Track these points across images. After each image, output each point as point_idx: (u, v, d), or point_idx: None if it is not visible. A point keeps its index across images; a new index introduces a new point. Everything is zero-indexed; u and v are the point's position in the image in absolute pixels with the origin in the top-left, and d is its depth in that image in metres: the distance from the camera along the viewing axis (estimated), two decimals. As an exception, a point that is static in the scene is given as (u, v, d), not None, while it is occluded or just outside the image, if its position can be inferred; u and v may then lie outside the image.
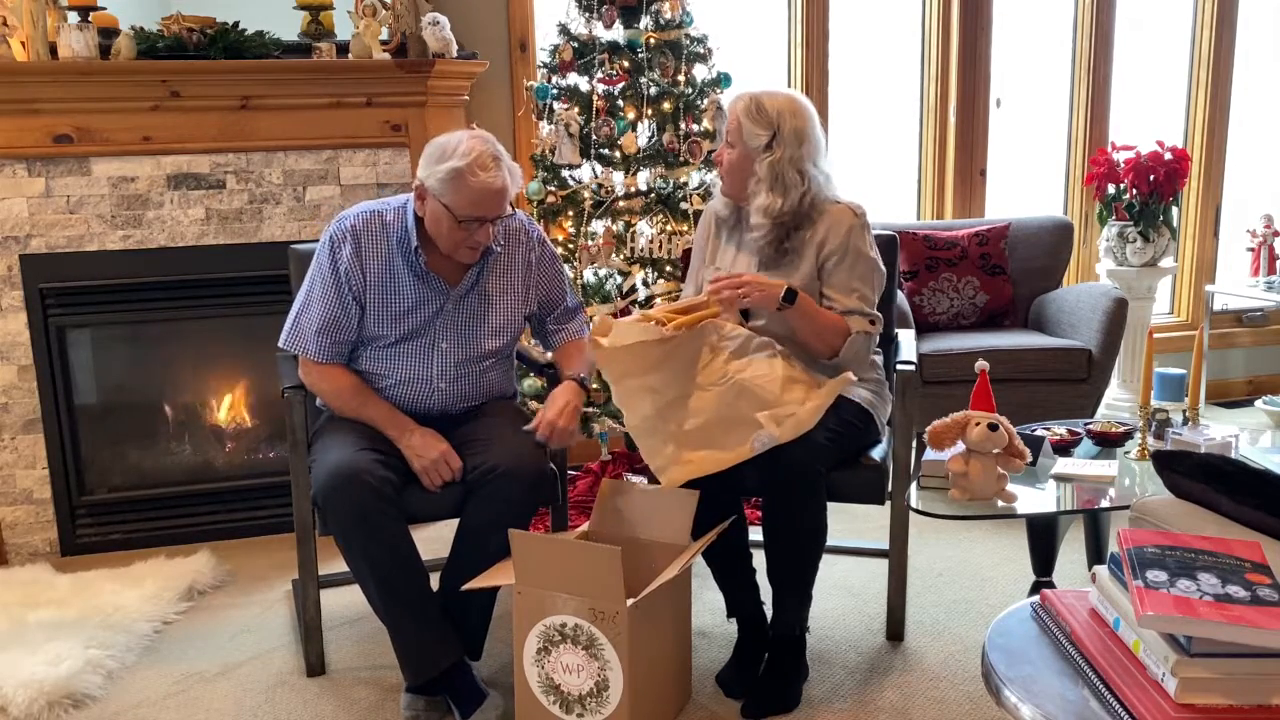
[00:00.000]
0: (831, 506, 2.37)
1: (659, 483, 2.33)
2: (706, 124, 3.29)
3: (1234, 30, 4.60)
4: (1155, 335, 2.58)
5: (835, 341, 2.39)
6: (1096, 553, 2.59)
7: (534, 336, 2.63)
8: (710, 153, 3.30)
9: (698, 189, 3.30)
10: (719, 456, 2.27)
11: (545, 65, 3.33)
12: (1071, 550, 2.76)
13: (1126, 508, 2.06)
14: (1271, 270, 4.55)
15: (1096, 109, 4.51)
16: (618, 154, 3.26)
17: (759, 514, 2.99)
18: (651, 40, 3.25)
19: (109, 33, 3.09)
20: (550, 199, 3.28)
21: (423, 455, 2.30)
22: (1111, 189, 4.27)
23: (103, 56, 3.05)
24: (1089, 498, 2.29)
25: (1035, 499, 2.28)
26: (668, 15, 3.27)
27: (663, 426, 2.30)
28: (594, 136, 3.24)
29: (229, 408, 3.48)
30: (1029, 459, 2.24)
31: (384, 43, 3.31)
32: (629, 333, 2.25)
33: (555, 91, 3.29)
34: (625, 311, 3.26)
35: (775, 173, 2.38)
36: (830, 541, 2.42)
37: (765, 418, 2.23)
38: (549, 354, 2.67)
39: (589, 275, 3.30)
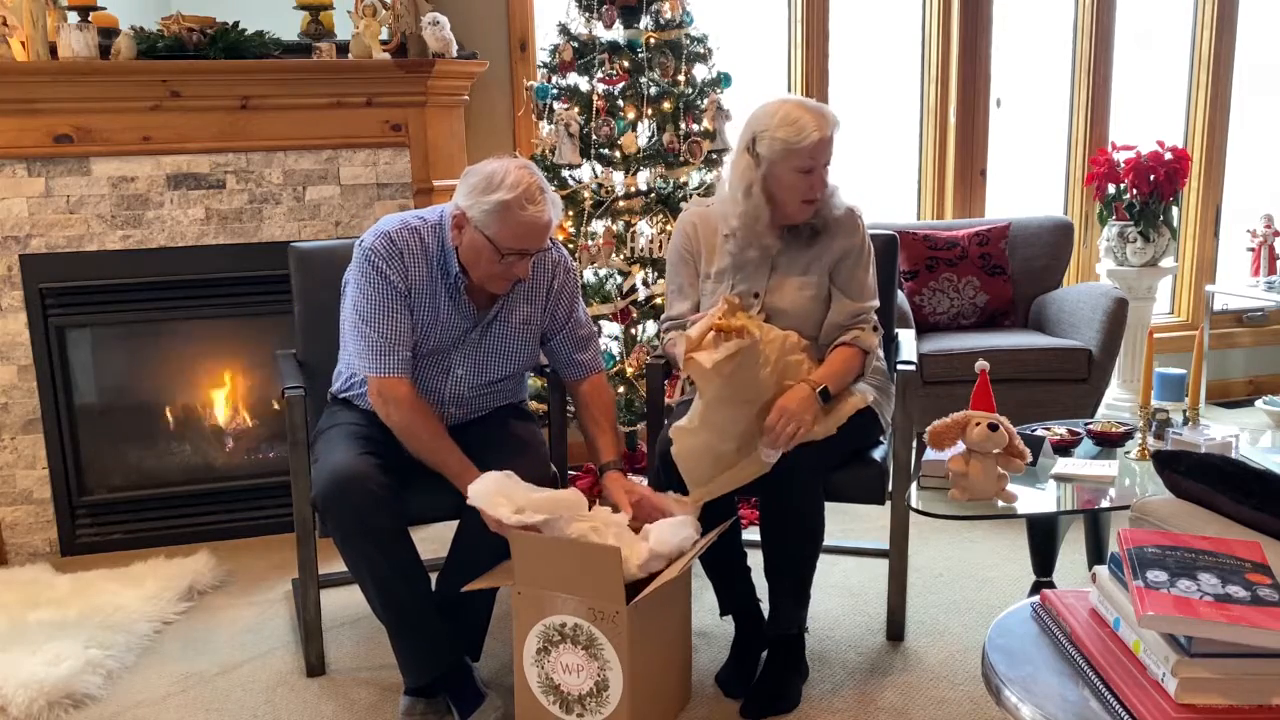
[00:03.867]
0: (831, 506, 2.37)
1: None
2: (706, 124, 3.29)
3: (1234, 31, 4.60)
4: (1155, 335, 2.59)
5: (860, 368, 2.46)
6: (1096, 553, 2.59)
7: (548, 359, 2.56)
8: (712, 153, 3.30)
9: (698, 189, 3.30)
10: (742, 474, 2.32)
11: (545, 65, 3.33)
12: (1071, 550, 2.75)
13: (1126, 508, 2.05)
14: (1271, 270, 4.55)
15: (1096, 109, 4.51)
16: (618, 154, 3.26)
17: (755, 513, 3.00)
18: (651, 40, 3.25)
19: (109, 33, 3.09)
20: (550, 199, 3.28)
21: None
22: (1111, 189, 4.27)
23: (103, 56, 3.05)
24: (1089, 498, 2.29)
25: (1035, 499, 2.28)
26: (668, 15, 3.27)
27: (711, 446, 2.30)
28: (594, 136, 3.24)
29: (229, 408, 3.48)
30: (1029, 459, 2.24)
31: (384, 43, 3.31)
32: (722, 348, 2.24)
33: (555, 91, 3.29)
34: (625, 312, 3.26)
35: None
36: (830, 541, 2.43)
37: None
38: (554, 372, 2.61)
39: (589, 275, 3.30)
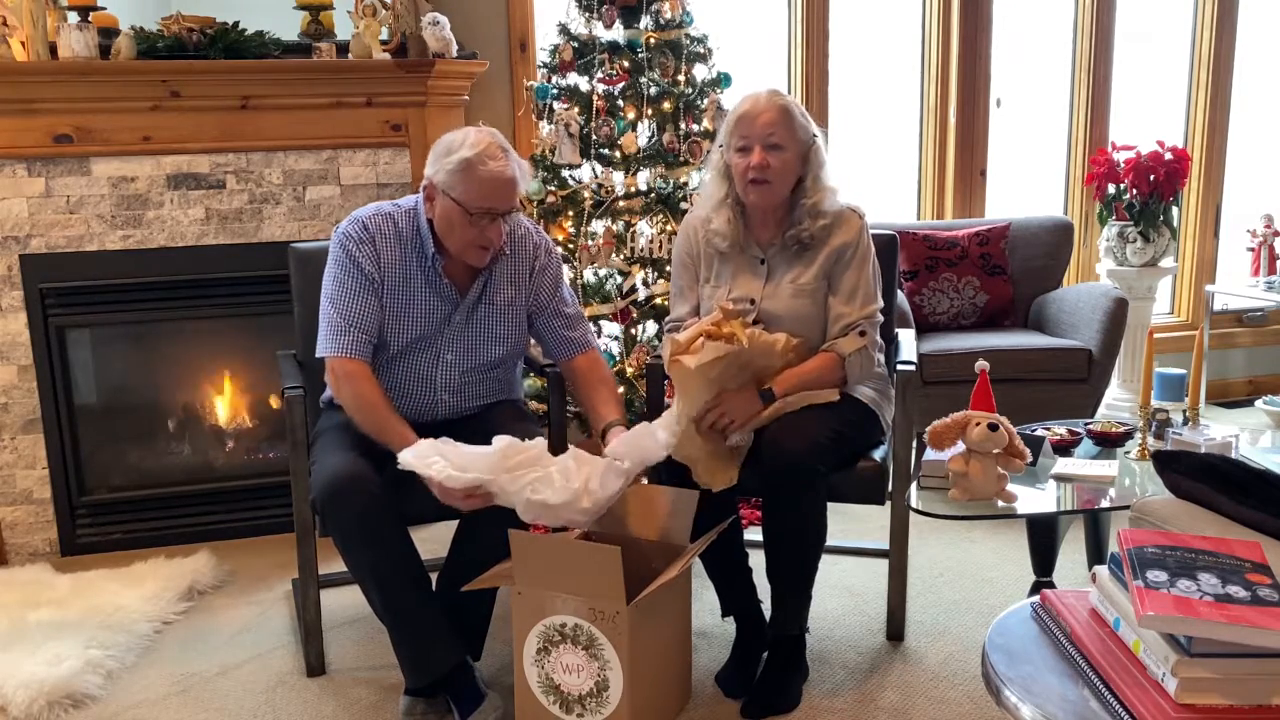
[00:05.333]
0: (831, 506, 2.37)
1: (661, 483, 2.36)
2: (706, 124, 3.29)
3: (1234, 31, 4.60)
4: (1155, 335, 2.58)
5: (837, 376, 2.43)
6: (1096, 553, 2.59)
7: (540, 344, 2.59)
8: (711, 153, 3.30)
9: (698, 189, 3.30)
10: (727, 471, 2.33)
11: (545, 65, 3.33)
12: (1071, 550, 2.75)
13: (1126, 508, 2.05)
14: (1271, 270, 4.55)
15: (1096, 109, 4.51)
16: (618, 154, 3.26)
17: (757, 514, 3.00)
18: (651, 40, 3.25)
19: (109, 33, 3.09)
20: (550, 199, 3.28)
21: (448, 496, 2.19)
22: (1111, 189, 4.27)
23: (103, 56, 3.05)
24: (1089, 498, 2.29)
25: (1035, 499, 2.28)
26: (668, 15, 3.27)
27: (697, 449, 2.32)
28: (594, 136, 3.24)
29: (229, 408, 3.48)
30: (1029, 459, 2.24)
31: (384, 43, 3.31)
32: (707, 350, 2.25)
33: (555, 91, 3.29)
34: (625, 312, 3.26)
35: (825, 160, 2.46)
36: (830, 541, 2.42)
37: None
38: (549, 360, 2.63)
39: (589, 275, 3.30)
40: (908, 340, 2.77)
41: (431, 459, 2.11)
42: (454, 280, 2.38)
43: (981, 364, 2.37)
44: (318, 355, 2.38)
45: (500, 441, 2.13)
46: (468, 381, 2.44)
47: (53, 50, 3.03)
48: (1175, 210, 4.29)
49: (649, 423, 2.28)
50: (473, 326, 2.42)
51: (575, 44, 3.27)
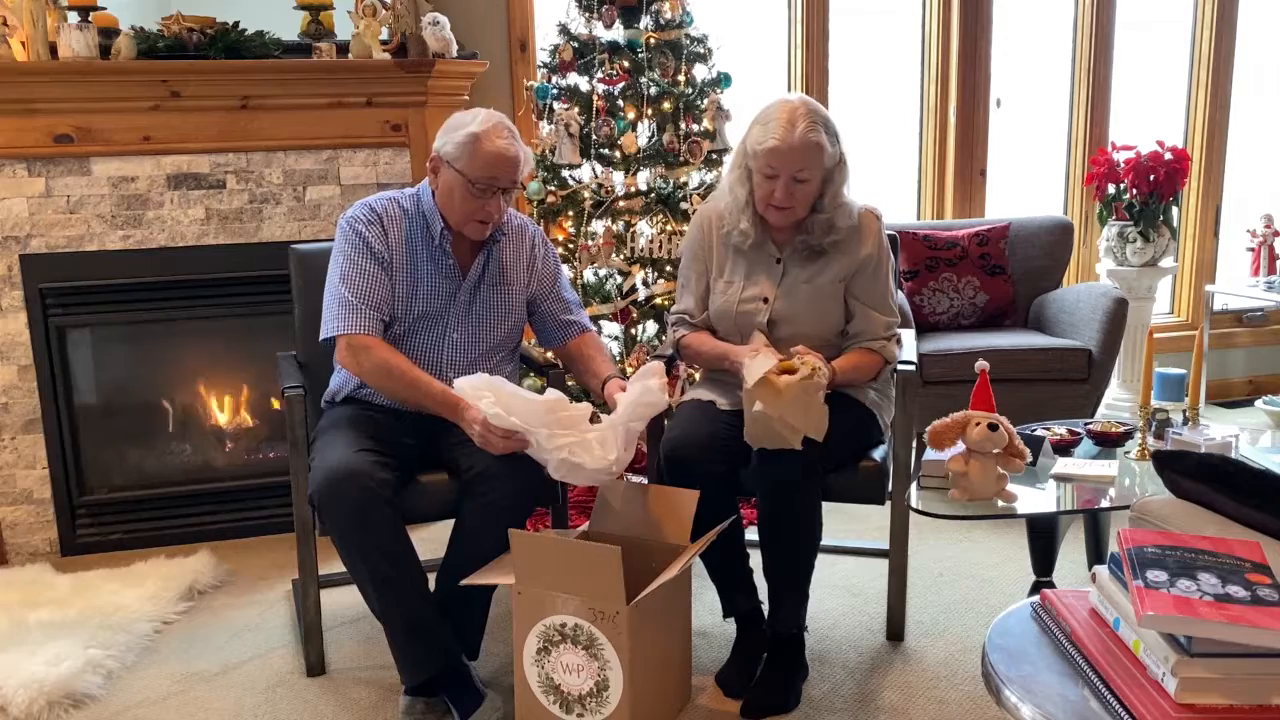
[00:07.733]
0: (831, 506, 2.38)
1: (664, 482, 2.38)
2: (706, 124, 3.29)
3: (1234, 30, 4.60)
4: (1155, 335, 2.58)
5: (872, 375, 2.50)
6: (1096, 553, 2.58)
7: (536, 331, 2.62)
8: (712, 153, 3.30)
9: (698, 189, 3.30)
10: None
11: (545, 65, 3.33)
12: (1071, 550, 2.75)
13: (1126, 508, 2.05)
14: (1271, 270, 4.55)
15: (1096, 109, 4.51)
16: (618, 154, 3.27)
17: (755, 514, 3.00)
18: (651, 40, 3.26)
19: (109, 33, 3.09)
20: (550, 199, 3.28)
21: (487, 437, 2.24)
22: (1111, 189, 4.27)
23: (103, 56, 3.05)
24: (1089, 498, 2.29)
25: (1035, 499, 2.27)
26: (668, 15, 3.28)
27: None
28: (594, 136, 3.24)
29: (229, 408, 3.48)
30: (1029, 459, 2.24)
31: (384, 43, 3.31)
32: (759, 365, 2.24)
33: (555, 91, 3.29)
34: (625, 312, 3.27)
35: (848, 173, 2.46)
36: (830, 541, 2.43)
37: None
38: (551, 351, 2.69)
39: (589, 275, 3.30)
40: (908, 340, 2.76)
41: (484, 393, 2.20)
42: (459, 258, 2.45)
43: (981, 364, 2.37)
44: (327, 335, 2.39)
45: (551, 394, 2.24)
46: (473, 363, 2.46)
47: (53, 50, 3.03)
48: (1175, 210, 4.29)
49: (634, 379, 2.29)
50: (476, 306, 2.48)
51: (575, 44, 3.27)
